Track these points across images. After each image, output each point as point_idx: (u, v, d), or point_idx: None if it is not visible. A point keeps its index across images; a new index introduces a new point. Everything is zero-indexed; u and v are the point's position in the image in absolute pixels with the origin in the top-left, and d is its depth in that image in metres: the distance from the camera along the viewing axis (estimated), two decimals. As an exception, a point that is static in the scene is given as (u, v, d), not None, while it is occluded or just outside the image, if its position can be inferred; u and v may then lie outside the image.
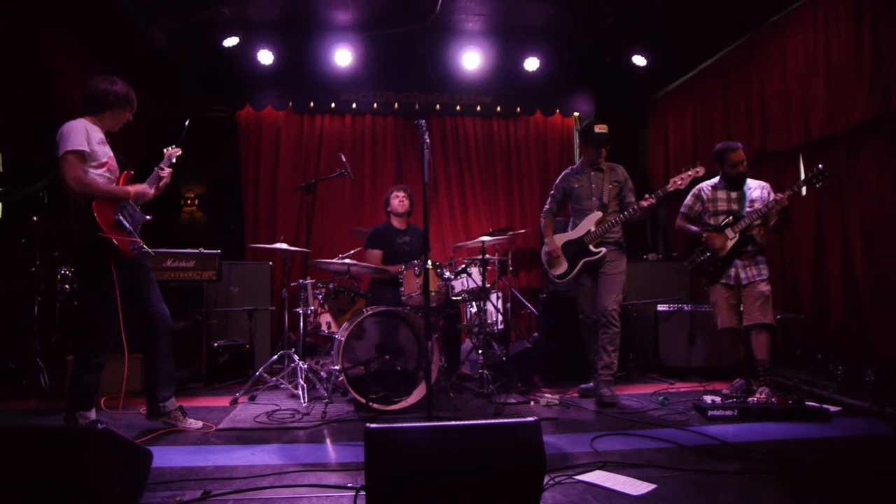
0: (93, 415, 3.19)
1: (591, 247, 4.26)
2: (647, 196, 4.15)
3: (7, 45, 4.88)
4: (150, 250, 3.35)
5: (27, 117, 5.29)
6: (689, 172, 4.14)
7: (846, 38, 4.50)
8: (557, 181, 4.60)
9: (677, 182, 4.14)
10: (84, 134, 3.12)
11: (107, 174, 3.24)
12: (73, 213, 3.17)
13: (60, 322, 4.96)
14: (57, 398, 4.18)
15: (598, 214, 4.30)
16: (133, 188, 3.28)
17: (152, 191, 3.39)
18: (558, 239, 4.43)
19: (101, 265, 3.12)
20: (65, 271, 4.76)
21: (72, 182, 3.04)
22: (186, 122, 4.20)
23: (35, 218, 4.60)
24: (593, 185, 4.38)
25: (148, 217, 3.40)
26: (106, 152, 3.26)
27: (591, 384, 4.37)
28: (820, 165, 3.94)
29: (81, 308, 3.28)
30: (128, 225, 3.21)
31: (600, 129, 4.33)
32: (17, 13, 4.72)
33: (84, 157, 3.11)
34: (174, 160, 3.54)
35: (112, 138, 3.39)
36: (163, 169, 3.46)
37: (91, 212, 3.06)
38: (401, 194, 4.95)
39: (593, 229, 4.28)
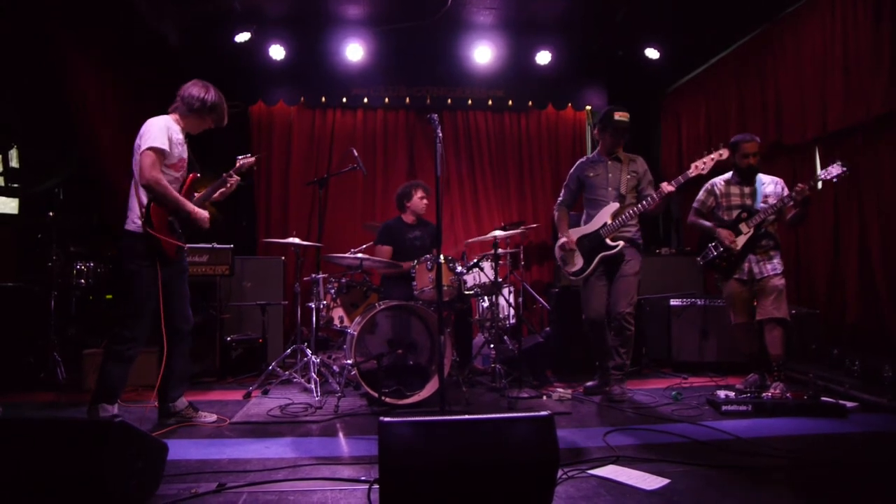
0: (115, 409, 3.23)
1: (608, 240, 4.08)
2: (665, 183, 3.93)
3: (21, 43, 4.93)
4: (186, 262, 3.46)
5: (42, 114, 5.34)
6: (713, 156, 3.91)
7: (864, 28, 4.42)
8: (572, 171, 4.40)
9: (699, 166, 3.90)
10: (165, 132, 3.23)
11: (176, 175, 3.34)
12: (134, 203, 3.23)
13: (77, 316, 5.02)
14: (74, 391, 4.24)
15: (614, 206, 4.09)
16: (194, 210, 3.34)
17: (207, 221, 3.44)
18: (572, 233, 4.26)
19: (146, 258, 3.19)
20: (80, 266, 4.81)
21: (150, 178, 3.13)
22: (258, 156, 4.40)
23: (51, 213, 4.65)
24: (610, 175, 4.17)
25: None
26: (181, 153, 3.36)
27: (595, 381, 4.34)
28: (838, 162, 3.88)
29: (120, 298, 3.37)
30: (178, 228, 3.30)
31: (620, 116, 4.09)
32: (30, 11, 4.76)
33: (164, 156, 3.22)
34: (245, 170, 3.61)
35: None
36: (231, 176, 3.53)
37: (149, 207, 3.15)
38: (424, 194, 4.92)
39: (609, 222, 4.08)
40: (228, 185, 3.54)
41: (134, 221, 3.21)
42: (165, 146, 3.20)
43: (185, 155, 3.40)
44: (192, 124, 3.45)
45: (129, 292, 3.25)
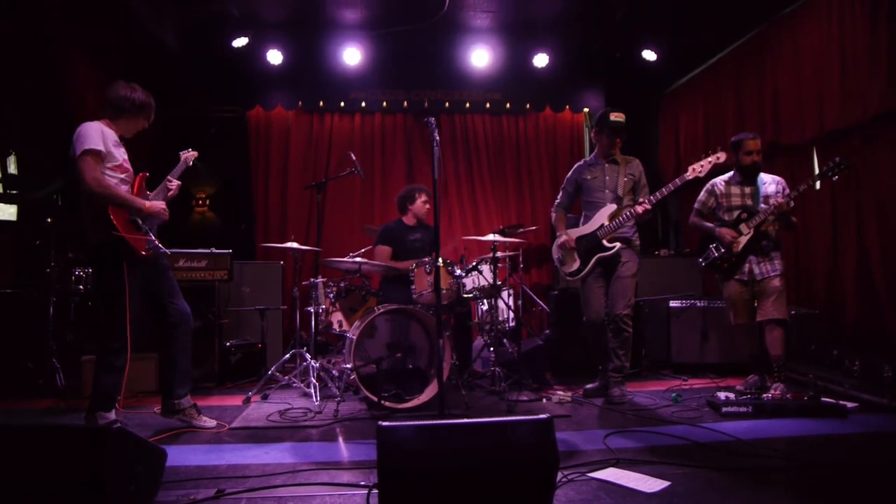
0: (113, 415, 3.22)
1: (605, 241, 4.10)
2: (641, 201, 3.99)
3: (20, 47, 4.92)
4: (165, 250, 3.38)
5: (40, 119, 5.34)
6: (710, 159, 3.93)
7: (861, 29, 4.42)
8: (569, 174, 4.44)
9: (697, 169, 3.92)
10: (100, 134, 3.16)
11: (122, 176, 3.27)
12: (86, 212, 3.19)
13: (75, 322, 5.01)
14: (73, 397, 4.23)
15: (612, 207, 4.12)
16: (148, 205, 3.28)
17: (166, 211, 3.38)
18: (570, 234, 4.27)
19: (115, 264, 3.14)
20: (79, 272, 4.80)
21: (91, 182, 3.07)
22: (213, 130, 4.31)
23: (49, 219, 4.64)
24: (607, 178, 4.20)
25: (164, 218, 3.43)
26: (121, 154, 3.30)
27: (595, 384, 4.33)
28: (836, 158, 3.89)
29: (99, 309, 3.32)
30: (143, 224, 3.24)
31: (615, 116, 4.14)
32: (29, 14, 4.76)
33: (101, 158, 3.15)
34: (190, 164, 3.57)
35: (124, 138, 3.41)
36: (170, 181, 3.47)
37: (106, 211, 3.09)
38: (428, 198, 4.90)
39: (607, 223, 4.10)
40: (169, 189, 3.46)
41: (93, 232, 3.15)
42: (101, 147, 3.13)
43: (126, 155, 3.33)
44: (125, 127, 3.37)
45: (107, 301, 3.21)
